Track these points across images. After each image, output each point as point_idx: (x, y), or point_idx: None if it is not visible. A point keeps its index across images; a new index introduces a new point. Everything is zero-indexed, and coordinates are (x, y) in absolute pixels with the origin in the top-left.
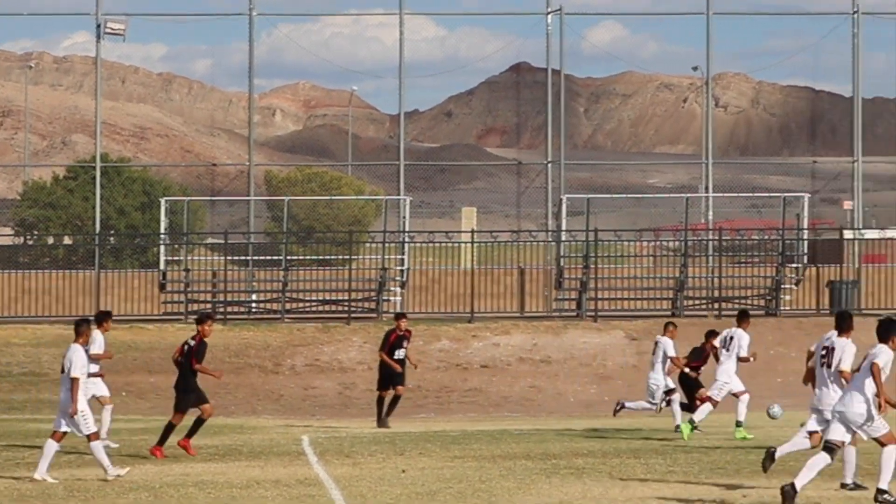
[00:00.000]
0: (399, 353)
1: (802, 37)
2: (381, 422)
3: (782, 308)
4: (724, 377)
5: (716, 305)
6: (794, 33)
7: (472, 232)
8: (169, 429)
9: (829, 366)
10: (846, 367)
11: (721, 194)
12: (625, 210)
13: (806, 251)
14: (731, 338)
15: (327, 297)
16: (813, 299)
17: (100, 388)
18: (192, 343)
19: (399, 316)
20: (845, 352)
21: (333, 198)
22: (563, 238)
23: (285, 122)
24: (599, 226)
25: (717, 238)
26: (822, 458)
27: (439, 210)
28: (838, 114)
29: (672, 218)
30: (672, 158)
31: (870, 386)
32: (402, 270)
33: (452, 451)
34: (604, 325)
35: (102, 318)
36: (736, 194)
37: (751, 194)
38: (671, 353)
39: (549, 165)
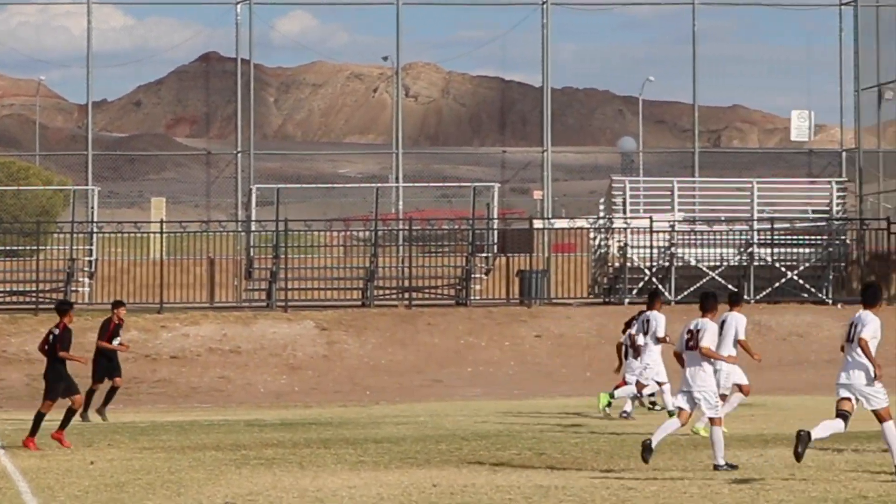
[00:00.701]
0: (115, 342)
1: (492, 27)
2: (101, 412)
3: (473, 297)
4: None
5: (406, 295)
6: (484, 24)
7: (162, 222)
8: (39, 418)
9: (696, 347)
10: (705, 343)
11: (411, 184)
12: (315, 200)
13: (496, 241)
14: (648, 320)
15: (14, 289)
16: (503, 289)
17: None
18: (56, 332)
19: (117, 304)
20: (707, 331)
21: (20, 188)
22: (253, 228)
23: None
24: (290, 216)
25: (407, 228)
26: (837, 424)
27: (128, 200)
28: (528, 104)
29: (363, 208)
30: (362, 148)
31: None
32: (90, 261)
33: (141, 442)
34: (294, 316)
35: None
36: (426, 184)
37: (441, 184)
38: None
39: (239, 155)
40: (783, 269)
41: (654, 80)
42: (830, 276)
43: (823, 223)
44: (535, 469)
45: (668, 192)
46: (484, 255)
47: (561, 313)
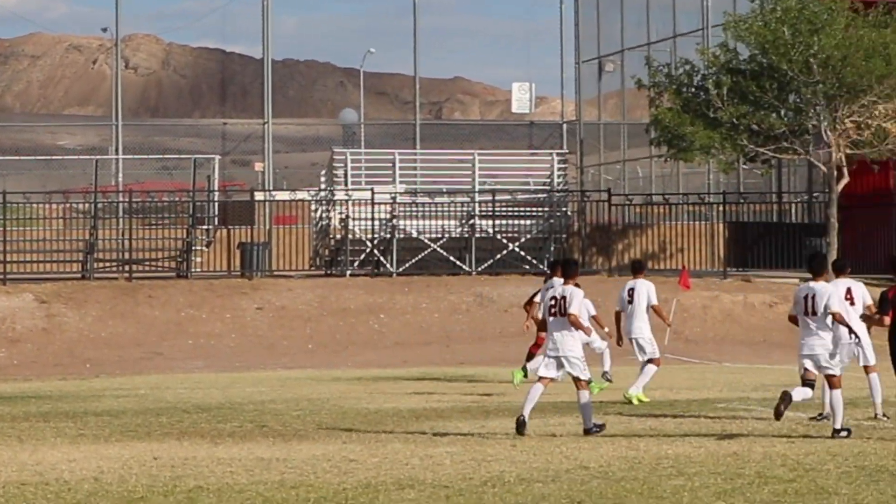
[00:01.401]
0: None
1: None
2: None
3: (193, 270)
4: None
5: (126, 268)
6: None
7: None
8: None
9: (560, 314)
10: (573, 310)
11: (131, 156)
12: (34, 172)
13: (217, 213)
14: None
15: None
16: (224, 261)
17: None
18: None
19: None
20: (574, 297)
21: None
22: None
23: None
24: (8, 188)
25: (127, 200)
26: (803, 392)
27: None
28: (249, 76)
29: (82, 180)
30: (82, 120)
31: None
32: None
33: None
34: (13, 289)
35: None
36: (147, 156)
37: (162, 156)
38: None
39: None
40: (504, 240)
41: (376, 51)
42: (552, 248)
43: (544, 195)
44: (257, 441)
45: (390, 165)
46: (205, 227)
47: (282, 285)
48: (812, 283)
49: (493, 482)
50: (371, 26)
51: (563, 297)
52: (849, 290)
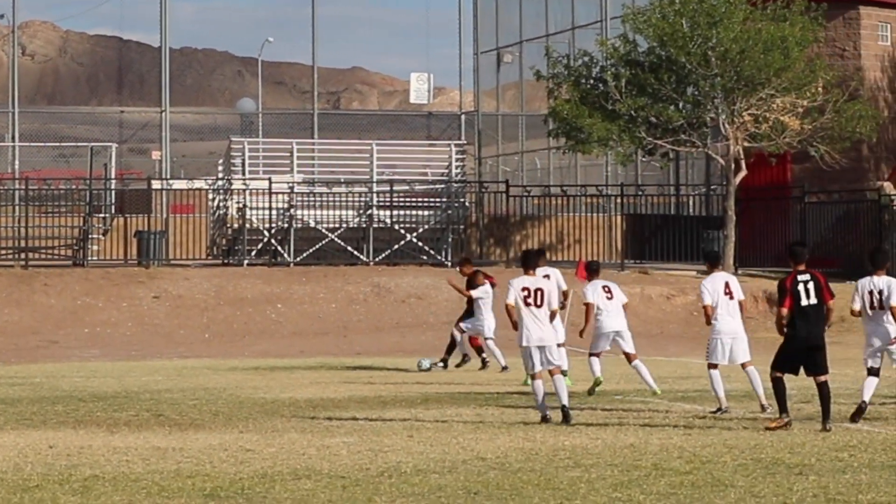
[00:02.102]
0: None
1: None
2: None
3: (90, 258)
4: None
5: (22, 255)
6: None
7: None
8: None
9: (537, 305)
10: (554, 305)
11: (28, 143)
12: None
13: (114, 201)
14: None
15: None
16: (121, 249)
17: None
18: None
19: None
20: (552, 293)
21: None
22: None
23: None
24: None
25: (23, 188)
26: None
27: None
28: (147, 64)
29: None
30: None
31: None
32: None
33: None
34: None
35: None
36: (43, 144)
37: (59, 144)
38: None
39: None
40: (402, 231)
41: (274, 41)
42: (450, 239)
43: (443, 186)
44: (153, 430)
45: (288, 154)
46: (102, 215)
47: (179, 275)
48: (875, 278)
49: (389, 473)
50: (269, 15)
51: (539, 289)
52: (727, 284)
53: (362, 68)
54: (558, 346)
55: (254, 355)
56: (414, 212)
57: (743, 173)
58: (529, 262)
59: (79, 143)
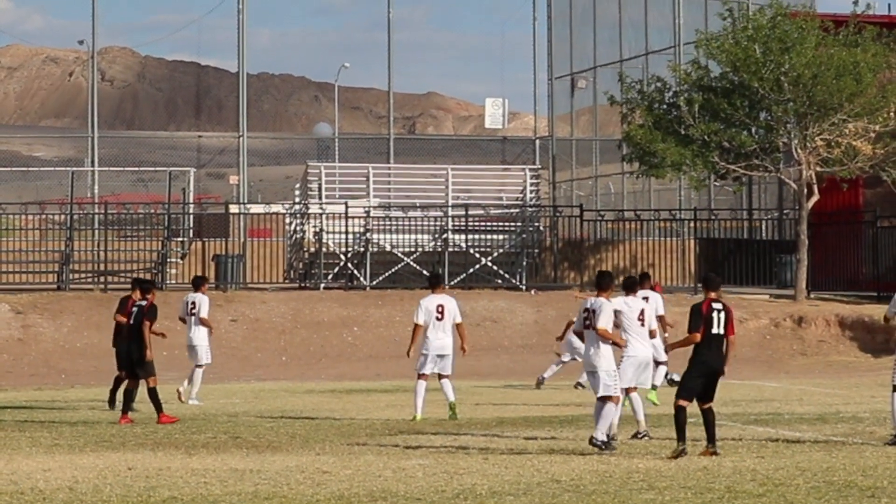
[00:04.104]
0: None
1: (188, 11)
2: None
3: (168, 281)
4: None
5: (102, 279)
6: (180, 8)
7: None
8: None
9: (592, 327)
10: (601, 324)
11: (107, 168)
12: (11, 183)
13: (192, 225)
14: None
15: None
16: (199, 273)
17: None
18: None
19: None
20: (602, 310)
21: None
22: None
23: None
24: None
25: (103, 212)
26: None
27: None
28: (224, 89)
29: (58, 191)
30: (58, 132)
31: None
32: None
33: None
34: None
35: None
36: (122, 168)
37: (138, 168)
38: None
39: None
40: (477, 255)
41: (350, 66)
42: (524, 263)
43: (517, 210)
44: (230, 452)
45: (364, 178)
46: (180, 239)
47: (256, 298)
48: None
49: (464, 495)
50: (345, 41)
51: (594, 310)
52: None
53: (437, 93)
54: (657, 363)
55: (330, 378)
56: (488, 236)
57: (815, 198)
58: (602, 284)
59: (157, 168)
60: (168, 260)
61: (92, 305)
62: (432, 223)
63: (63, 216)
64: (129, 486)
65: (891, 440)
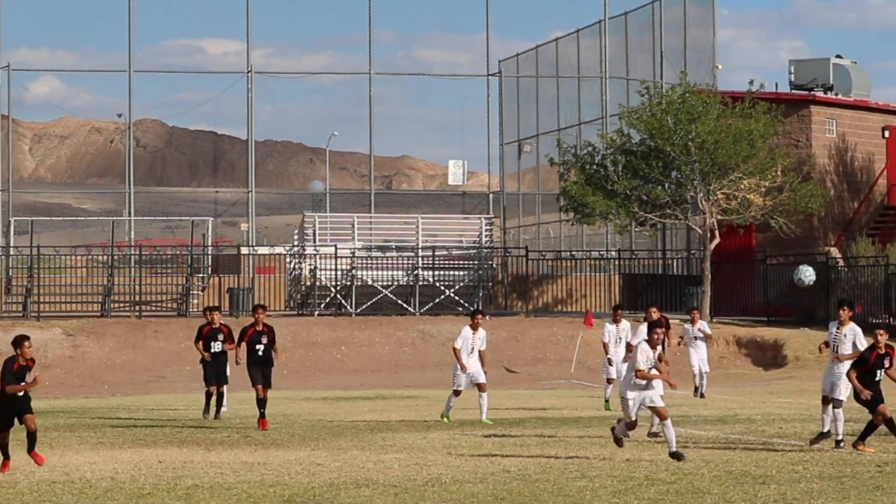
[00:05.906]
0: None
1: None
2: None
3: (191, 310)
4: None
5: (137, 308)
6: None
7: None
8: None
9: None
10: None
11: (141, 217)
12: (63, 230)
13: (210, 264)
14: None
15: None
16: (216, 302)
17: None
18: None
19: None
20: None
21: None
22: (12, 253)
23: None
24: (42, 243)
25: (138, 253)
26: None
27: None
28: (237, 153)
29: (102, 236)
30: (101, 188)
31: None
32: None
33: None
34: (45, 324)
35: None
36: (154, 218)
37: (166, 218)
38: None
39: (0, 193)
40: (442, 287)
41: (339, 134)
42: (480, 294)
43: (475, 251)
44: (242, 448)
45: (350, 226)
46: (200, 275)
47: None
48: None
49: (432, 483)
50: (335, 113)
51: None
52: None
53: (410, 156)
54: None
55: (323, 388)
56: (452, 272)
57: (717, 240)
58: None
59: (182, 218)
60: (191, 292)
61: (129, 330)
62: (406, 262)
63: (105, 257)
64: (159, 476)
65: (814, 438)
